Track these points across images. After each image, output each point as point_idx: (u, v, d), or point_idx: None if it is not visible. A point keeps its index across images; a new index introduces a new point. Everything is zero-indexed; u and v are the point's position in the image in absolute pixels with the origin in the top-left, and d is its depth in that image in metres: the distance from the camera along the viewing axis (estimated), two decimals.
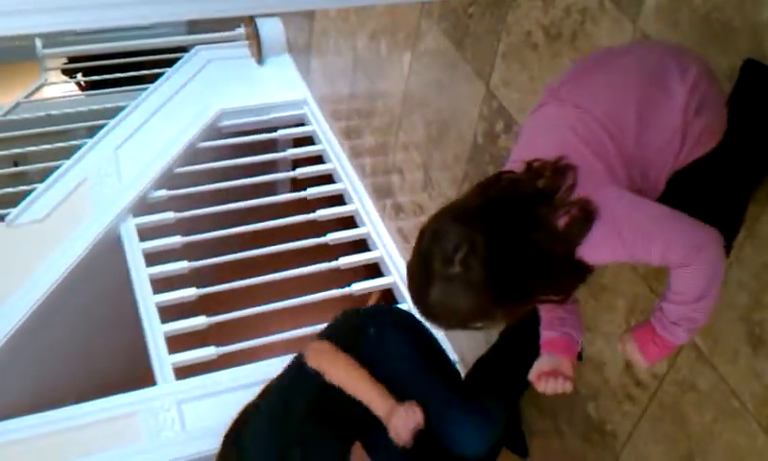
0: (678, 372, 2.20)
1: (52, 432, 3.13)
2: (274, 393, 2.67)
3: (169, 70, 5.03)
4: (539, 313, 1.75)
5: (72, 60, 6.46)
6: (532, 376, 1.74)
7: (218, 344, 3.57)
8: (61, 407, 3.23)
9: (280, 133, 4.83)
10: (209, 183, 4.35)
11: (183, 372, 3.48)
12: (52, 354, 3.92)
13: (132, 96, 5.02)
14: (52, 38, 5.48)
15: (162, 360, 3.45)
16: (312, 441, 2.50)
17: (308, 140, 4.90)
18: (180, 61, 5.11)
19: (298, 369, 2.66)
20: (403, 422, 2.47)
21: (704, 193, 1.66)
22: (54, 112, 5.40)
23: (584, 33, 2.36)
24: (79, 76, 6.68)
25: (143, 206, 4.22)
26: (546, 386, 1.72)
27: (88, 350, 4.13)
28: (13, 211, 4.12)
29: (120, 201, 4.17)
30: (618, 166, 1.50)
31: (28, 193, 4.24)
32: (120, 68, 5.56)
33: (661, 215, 1.48)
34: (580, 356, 2.59)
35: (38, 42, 5.19)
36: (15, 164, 5.37)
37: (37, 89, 5.32)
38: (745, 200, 1.81)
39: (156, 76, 5.05)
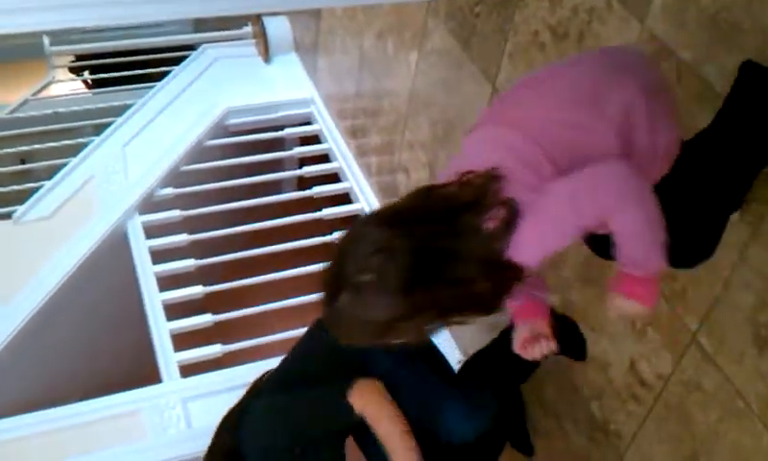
0: (683, 372, 2.20)
1: (57, 429, 3.14)
2: (278, 380, 2.66)
3: (176, 68, 5.05)
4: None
5: (79, 58, 6.48)
6: (515, 346, 1.73)
7: (224, 342, 3.58)
8: (67, 405, 3.23)
9: (287, 131, 4.83)
10: (216, 182, 4.36)
11: (189, 370, 3.49)
12: (58, 352, 3.93)
13: (139, 94, 5.03)
14: (59, 36, 5.50)
15: (168, 358, 3.46)
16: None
17: (315, 139, 4.90)
18: (187, 60, 5.13)
19: (335, 400, 2.60)
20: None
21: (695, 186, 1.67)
22: (61, 110, 5.42)
23: (591, 32, 2.36)
24: (86, 74, 6.70)
25: (150, 204, 4.23)
26: (533, 352, 1.71)
27: (94, 347, 4.14)
28: (20, 209, 4.13)
29: (127, 198, 4.18)
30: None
31: (35, 191, 4.25)
32: (127, 66, 5.58)
33: (578, 189, 1.45)
34: (583, 356, 2.59)
35: (46, 40, 5.21)
36: (22, 162, 5.39)
37: (45, 87, 5.33)
38: (732, 200, 1.81)
39: (163, 74, 5.06)
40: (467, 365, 2.87)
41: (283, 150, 4.84)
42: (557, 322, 2.60)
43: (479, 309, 1.46)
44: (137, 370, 3.75)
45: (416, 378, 2.67)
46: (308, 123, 4.96)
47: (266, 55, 5.14)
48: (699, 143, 1.76)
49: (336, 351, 2.51)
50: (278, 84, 5.07)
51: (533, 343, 1.71)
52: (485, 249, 1.42)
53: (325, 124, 4.82)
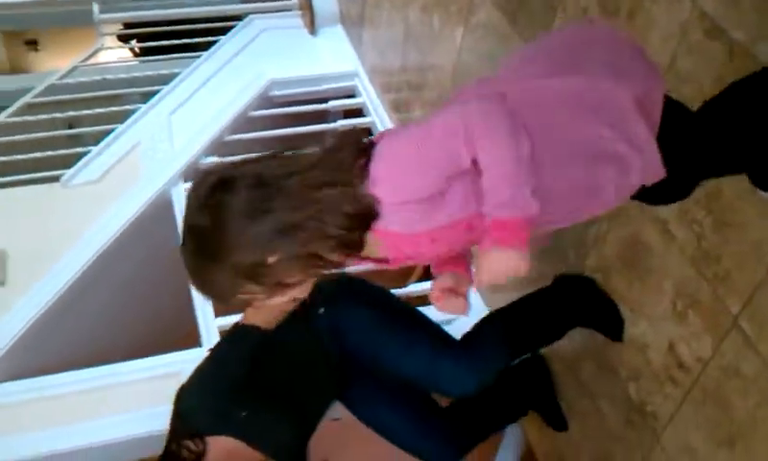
0: (723, 356, 2.18)
1: (97, 387, 3.21)
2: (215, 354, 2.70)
3: (223, 38, 5.08)
4: None
5: (127, 26, 6.54)
6: (432, 293, 1.67)
7: None
8: (109, 364, 3.30)
9: (331, 104, 4.84)
10: (259, 152, 4.38)
11: None
12: (101, 313, 4.01)
13: (186, 63, 5.07)
14: (108, 4, 5.55)
15: (208, 323, 3.50)
16: (257, 393, 2.51)
17: (358, 112, 4.91)
18: (233, 30, 5.15)
19: (235, 330, 2.68)
20: None
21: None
22: (109, 77, 5.49)
23: (642, 10, 2.33)
24: (133, 42, 6.76)
25: (194, 172, 4.27)
26: (446, 304, 1.65)
27: (137, 309, 4.21)
28: (68, 172, 4.20)
29: (172, 166, 4.23)
30: None
31: (82, 155, 4.32)
32: (174, 35, 5.61)
33: (445, 110, 1.48)
34: (620, 336, 2.59)
35: (95, 7, 5.25)
36: (71, 127, 5.48)
37: (94, 54, 5.38)
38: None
39: (210, 44, 5.10)
40: (479, 322, 2.86)
41: (326, 122, 4.85)
42: (597, 300, 2.62)
43: (322, 244, 1.45)
44: (178, 333, 3.81)
45: (404, 346, 2.68)
46: (352, 96, 4.96)
47: (312, 27, 5.15)
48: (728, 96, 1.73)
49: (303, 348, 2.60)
50: (323, 57, 5.08)
51: (449, 296, 1.65)
52: (320, 178, 1.43)
53: (369, 97, 4.82)
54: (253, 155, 1.53)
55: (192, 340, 3.51)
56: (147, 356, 3.38)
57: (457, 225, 1.49)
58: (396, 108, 4.51)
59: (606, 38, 1.66)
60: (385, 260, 1.60)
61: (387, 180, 1.45)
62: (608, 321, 2.61)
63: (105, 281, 3.90)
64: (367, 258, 1.58)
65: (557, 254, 2.90)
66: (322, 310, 2.67)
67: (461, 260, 1.71)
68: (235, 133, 4.52)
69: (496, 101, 1.45)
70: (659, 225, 2.33)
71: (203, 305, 3.57)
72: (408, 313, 2.80)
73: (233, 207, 1.40)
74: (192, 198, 1.46)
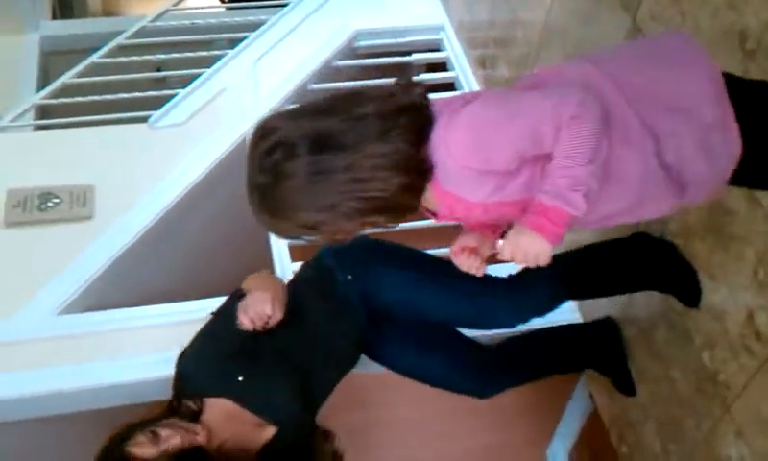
0: None
1: (176, 323, 3.29)
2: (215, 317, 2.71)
3: None
4: None
5: None
6: (454, 247, 1.72)
7: None
8: (187, 301, 3.38)
9: (415, 57, 4.82)
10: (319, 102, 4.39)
11: None
12: (183, 252, 4.11)
13: (273, 11, 5.10)
14: None
15: (285, 268, 3.56)
16: (255, 358, 2.51)
17: (442, 67, 4.88)
18: None
19: (236, 296, 2.67)
20: (252, 302, 2.47)
21: None
22: (198, 22, 5.56)
23: None
24: None
25: (254, 126, 4.31)
26: (462, 260, 1.71)
27: (217, 251, 4.31)
28: (155, 114, 4.29)
29: (256, 112, 4.27)
30: None
31: (170, 98, 4.41)
32: None
33: (538, 92, 1.51)
34: (696, 303, 2.54)
35: None
36: (159, 70, 5.58)
37: None
38: None
39: None
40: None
41: (409, 76, 4.82)
42: (676, 265, 2.58)
43: (384, 201, 1.48)
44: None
45: (442, 296, 2.71)
46: (437, 50, 4.93)
47: None
48: None
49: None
50: (410, 8, 5.04)
51: (470, 254, 1.70)
52: (383, 141, 1.45)
53: (454, 52, 4.78)
54: (312, 105, 1.54)
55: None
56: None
57: (514, 204, 1.52)
58: (482, 64, 4.47)
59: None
60: (434, 213, 1.65)
61: (462, 143, 1.47)
62: (685, 287, 2.57)
63: (187, 222, 3.99)
64: (422, 205, 1.63)
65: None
66: (350, 277, 2.68)
67: (496, 228, 1.72)
68: (319, 83, 4.55)
69: (593, 100, 1.45)
70: (744, 191, 2.27)
71: (279, 250, 3.63)
72: (437, 262, 2.80)
73: (291, 172, 1.44)
74: (251, 157, 1.50)
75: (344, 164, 1.43)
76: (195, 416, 2.40)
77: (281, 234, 1.61)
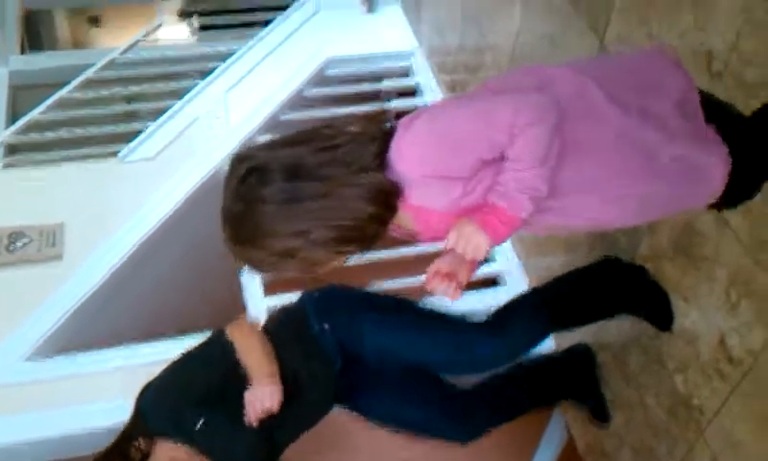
0: None
1: (147, 364, 3.24)
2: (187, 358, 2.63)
3: (280, 16, 5.08)
4: None
5: (187, 3, 6.60)
6: (429, 270, 1.68)
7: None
8: (159, 341, 3.33)
9: (386, 83, 4.81)
10: (292, 134, 4.37)
11: None
12: (153, 290, 4.06)
13: (244, 41, 5.09)
14: None
15: (257, 302, 3.53)
16: (218, 408, 2.45)
17: (413, 92, 4.87)
18: (291, 7, 5.16)
19: (215, 341, 2.60)
20: (261, 396, 2.38)
21: None
22: (168, 54, 5.54)
23: None
24: (193, 19, 6.82)
25: (230, 156, 4.28)
26: (438, 285, 1.66)
27: (188, 288, 4.26)
28: (126, 148, 4.26)
29: (228, 143, 4.26)
30: None
31: (140, 131, 4.37)
32: (233, 13, 5.65)
33: (494, 97, 1.51)
34: (669, 326, 2.52)
35: None
36: (129, 103, 5.55)
37: (154, 31, 5.44)
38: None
39: (268, 21, 5.11)
40: (516, 297, 2.85)
41: (381, 102, 4.82)
42: (647, 289, 2.56)
43: (354, 230, 1.49)
44: (227, 313, 3.84)
45: (423, 331, 2.67)
46: (407, 75, 4.93)
47: (369, 4, 5.12)
48: None
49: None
50: (380, 35, 5.06)
51: (445, 279, 1.66)
52: (353, 171, 1.47)
53: (425, 77, 4.78)
54: (286, 137, 1.56)
55: None
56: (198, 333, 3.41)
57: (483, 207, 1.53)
58: (452, 88, 4.46)
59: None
60: (415, 234, 1.66)
61: (418, 152, 1.50)
62: (657, 311, 2.55)
63: (158, 258, 3.95)
64: (399, 228, 1.64)
65: (609, 241, 2.84)
66: (326, 326, 2.62)
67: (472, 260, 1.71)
68: (291, 111, 4.53)
69: (552, 104, 1.47)
70: (713, 214, 2.25)
71: (251, 285, 3.59)
72: (417, 307, 2.78)
73: (265, 197, 1.45)
74: (226, 186, 1.51)
75: (315, 192, 1.45)
76: (143, 459, 2.37)
77: (255, 266, 1.57)
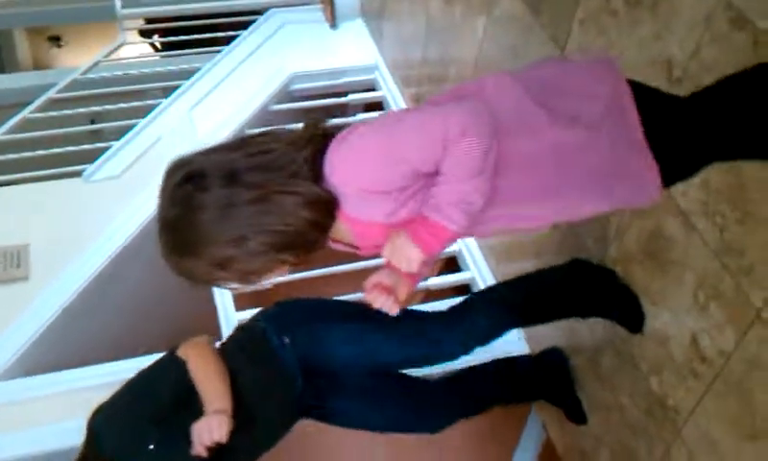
0: (745, 349, 2.16)
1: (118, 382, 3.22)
2: (139, 378, 2.60)
3: (243, 32, 5.08)
4: None
5: (149, 21, 6.56)
6: (367, 282, 1.68)
7: None
8: (132, 358, 3.30)
9: (351, 97, 4.84)
10: (229, 140, 4.37)
11: None
12: (123, 307, 4.03)
13: (207, 58, 5.08)
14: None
15: (229, 317, 3.52)
16: (171, 429, 2.42)
17: (378, 106, 4.90)
18: (254, 24, 5.16)
19: (168, 360, 2.58)
20: (208, 428, 2.32)
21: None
22: (131, 72, 5.51)
23: (665, 0, 2.30)
24: (155, 37, 6.79)
25: (168, 163, 4.27)
26: (376, 297, 1.66)
27: (158, 306, 4.22)
28: (90, 168, 4.23)
29: None
30: None
31: (104, 150, 4.34)
32: (196, 30, 5.63)
33: (429, 108, 1.51)
34: (640, 328, 2.57)
35: (118, 2, 5.28)
36: (92, 122, 5.51)
37: (116, 49, 5.41)
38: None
39: (231, 38, 5.11)
40: (482, 289, 2.88)
41: (347, 116, 4.84)
42: (617, 292, 2.60)
43: (293, 236, 1.48)
44: (199, 329, 3.82)
45: (388, 332, 2.69)
46: (372, 89, 4.96)
47: (332, 20, 5.14)
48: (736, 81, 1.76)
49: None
50: (344, 50, 5.07)
51: (382, 292, 1.66)
52: (288, 176, 1.46)
53: (390, 91, 4.81)
54: (224, 142, 1.55)
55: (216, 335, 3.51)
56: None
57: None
58: (417, 101, 4.50)
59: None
60: (355, 247, 1.65)
61: (351, 167, 1.49)
62: (628, 313, 2.59)
63: (125, 277, 3.92)
64: (338, 242, 1.64)
65: (577, 244, 2.88)
66: (287, 340, 2.61)
67: (413, 277, 1.72)
68: (256, 128, 4.53)
69: (485, 113, 1.47)
70: (681, 217, 2.30)
71: (223, 300, 3.58)
72: (375, 311, 2.79)
73: (201, 204, 1.43)
74: (162, 192, 1.49)
75: (251, 198, 1.44)
76: None
77: (194, 277, 1.53)
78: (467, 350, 2.76)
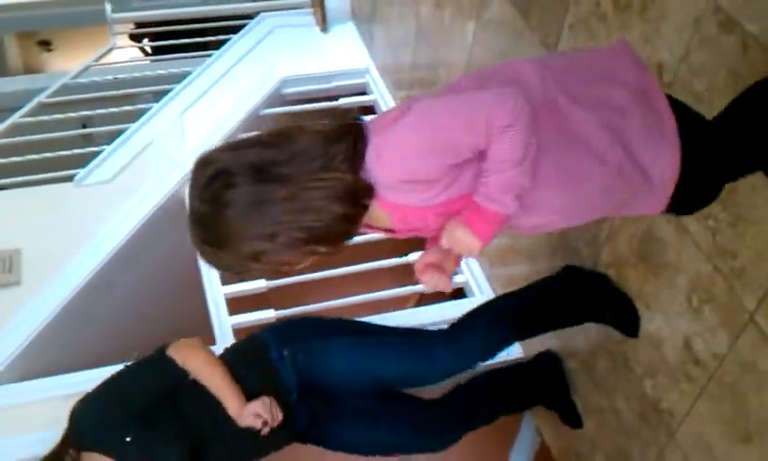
0: (739, 352, 2.17)
1: None
2: (126, 372, 2.63)
3: (234, 36, 5.08)
4: None
5: (139, 25, 6.56)
6: (417, 265, 1.71)
7: (277, 307, 3.61)
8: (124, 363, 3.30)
9: (342, 101, 4.84)
10: (257, 134, 4.37)
11: (243, 334, 3.53)
12: (116, 312, 4.02)
13: (198, 62, 5.08)
14: (121, 3, 5.57)
15: (222, 321, 3.51)
16: (150, 425, 2.45)
17: (370, 110, 4.90)
18: (245, 28, 5.16)
19: (157, 358, 2.59)
20: (261, 409, 2.46)
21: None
22: (121, 76, 5.50)
23: (654, 4, 2.31)
24: (145, 41, 6.78)
25: (194, 160, 4.27)
26: (429, 278, 1.69)
27: (151, 309, 4.22)
28: (81, 172, 4.21)
29: (184, 165, 4.23)
30: None
31: (95, 155, 4.33)
32: (186, 34, 5.63)
33: (470, 96, 1.52)
34: (635, 332, 2.57)
35: (108, 7, 5.27)
36: (84, 126, 5.49)
37: (106, 54, 5.40)
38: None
39: (222, 42, 5.10)
40: (479, 305, 2.89)
41: None
42: (611, 296, 2.61)
43: (323, 230, 1.48)
44: (192, 333, 3.82)
45: (390, 348, 2.72)
46: (363, 93, 4.96)
47: (323, 24, 5.14)
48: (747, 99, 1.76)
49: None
50: (335, 54, 5.08)
51: (435, 271, 1.69)
52: (320, 172, 1.46)
53: (381, 94, 4.81)
54: (252, 137, 1.54)
55: (208, 342, 3.51)
56: None
57: (462, 199, 1.54)
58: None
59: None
60: (392, 231, 1.65)
61: (402, 158, 1.48)
62: (622, 317, 2.60)
63: (118, 282, 3.91)
64: (375, 227, 1.63)
65: (570, 249, 2.88)
66: (285, 352, 2.63)
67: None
68: (247, 132, 4.51)
69: (522, 101, 1.47)
70: (673, 220, 2.31)
71: (216, 304, 3.58)
72: (374, 326, 2.81)
73: (230, 201, 1.43)
74: (191, 188, 1.50)
75: (282, 195, 1.43)
76: None
77: (225, 268, 1.56)
78: (465, 365, 2.77)
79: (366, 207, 1.54)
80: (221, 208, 1.44)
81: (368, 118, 1.61)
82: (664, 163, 1.60)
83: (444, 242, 1.58)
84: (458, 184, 1.51)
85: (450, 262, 1.71)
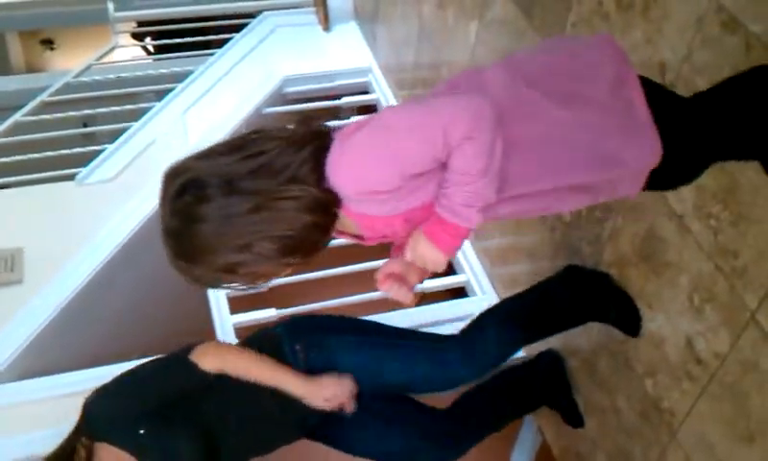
0: (740, 351, 2.17)
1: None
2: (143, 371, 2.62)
3: (236, 35, 5.08)
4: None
5: (141, 24, 6.56)
6: (379, 275, 1.67)
7: (278, 307, 3.61)
8: (126, 362, 3.30)
9: (344, 100, 4.84)
10: (225, 142, 4.37)
11: (244, 333, 3.53)
12: (116, 311, 4.02)
13: (200, 61, 5.08)
14: (124, 2, 5.58)
15: (224, 320, 3.51)
16: (163, 423, 2.44)
17: (372, 109, 4.90)
18: (247, 27, 5.16)
19: (179, 360, 2.56)
20: (339, 390, 2.51)
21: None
22: (123, 75, 5.50)
23: (656, 3, 2.31)
24: (147, 40, 6.78)
25: (164, 171, 4.27)
26: (390, 288, 1.66)
27: (152, 308, 4.22)
28: (83, 171, 4.22)
29: None
30: None
31: (97, 154, 4.34)
32: (189, 33, 5.63)
33: (429, 105, 1.49)
34: (637, 332, 2.57)
35: (110, 5, 5.28)
36: (85, 125, 5.50)
37: (108, 52, 5.41)
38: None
39: (224, 41, 5.10)
40: (484, 311, 2.88)
41: (340, 119, 4.85)
42: (613, 295, 2.61)
43: (297, 240, 1.47)
44: (194, 332, 3.82)
45: (399, 350, 2.71)
46: (366, 92, 4.96)
47: (326, 23, 5.15)
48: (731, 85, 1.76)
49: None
50: (337, 53, 5.08)
51: (396, 281, 1.65)
52: (286, 182, 1.44)
53: (383, 94, 4.81)
54: (218, 145, 1.51)
55: (211, 339, 3.51)
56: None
57: (429, 207, 1.51)
58: None
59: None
60: (361, 237, 1.64)
61: (357, 171, 1.47)
62: (624, 316, 2.60)
63: (119, 281, 3.91)
64: (344, 233, 1.62)
65: (572, 248, 2.88)
66: (298, 347, 2.63)
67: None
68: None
69: (487, 106, 1.44)
70: (675, 219, 2.31)
71: (218, 303, 3.58)
72: (387, 328, 2.81)
73: (202, 215, 1.42)
74: (162, 200, 1.47)
75: (251, 206, 1.42)
76: (88, 458, 2.37)
77: (200, 281, 1.52)
78: (478, 371, 2.77)
79: (336, 216, 1.54)
80: (192, 223, 1.42)
81: (332, 124, 1.60)
82: (642, 153, 1.58)
83: (408, 255, 1.56)
84: (422, 193, 1.49)
85: (413, 274, 1.67)
